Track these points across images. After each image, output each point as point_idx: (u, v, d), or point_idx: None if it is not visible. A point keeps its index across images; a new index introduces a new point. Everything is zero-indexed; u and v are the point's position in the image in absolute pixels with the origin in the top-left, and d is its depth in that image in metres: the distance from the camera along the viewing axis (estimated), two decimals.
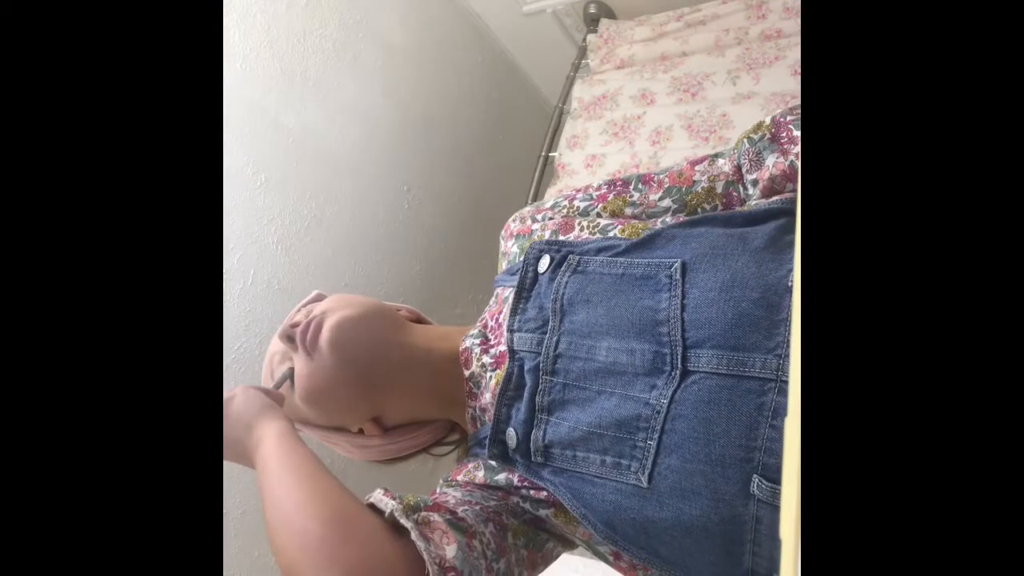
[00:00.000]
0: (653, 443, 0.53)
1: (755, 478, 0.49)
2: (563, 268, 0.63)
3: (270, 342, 0.75)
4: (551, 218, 0.73)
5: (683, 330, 0.54)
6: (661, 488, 0.53)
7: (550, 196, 1.74)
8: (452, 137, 2.01)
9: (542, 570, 0.64)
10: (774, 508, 0.48)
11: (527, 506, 0.63)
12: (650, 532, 0.54)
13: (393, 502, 0.56)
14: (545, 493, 0.61)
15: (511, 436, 0.61)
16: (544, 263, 0.65)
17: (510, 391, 0.62)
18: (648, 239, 0.61)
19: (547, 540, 0.64)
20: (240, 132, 1.46)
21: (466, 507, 0.60)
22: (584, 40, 1.93)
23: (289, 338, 0.69)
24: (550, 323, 0.62)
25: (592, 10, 1.96)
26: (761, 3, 1.65)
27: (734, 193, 0.66)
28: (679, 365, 0.54)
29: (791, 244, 0.56)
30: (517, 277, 0.67)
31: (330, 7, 1.66)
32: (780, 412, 0.49)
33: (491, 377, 0.67)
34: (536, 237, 0.71)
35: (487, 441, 0.63)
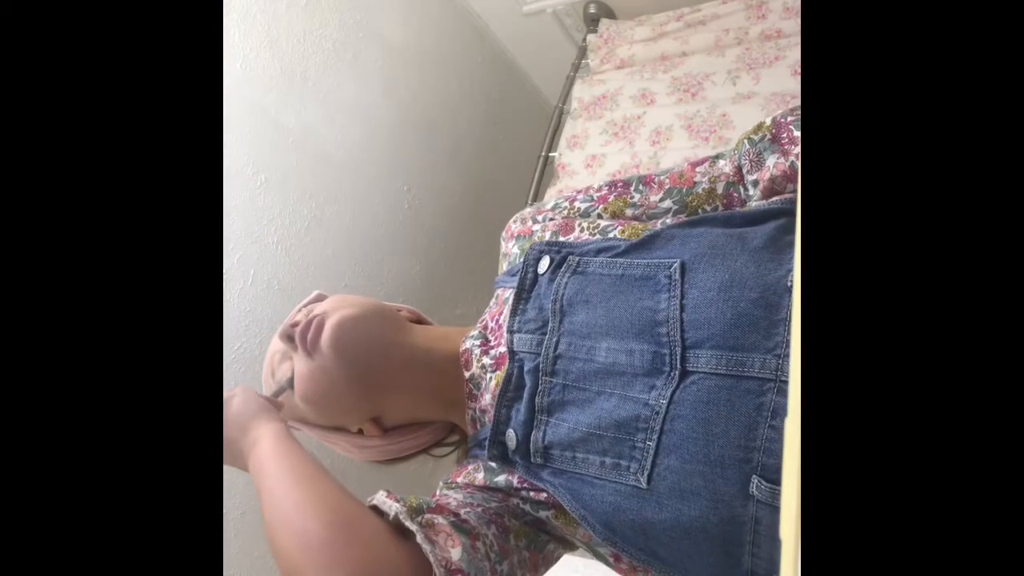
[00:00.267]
0: (652, 444, 0.53)
1: (754, 479, 0.49)
2: (563, 269, 0.63)
3: (270, 342, 0.75)
4: (552, 219, 0.73)
5: (682, 330, 0.54)
6: (660, 489, 0.53)
7: (550, 196, 1.74)
8: (452, 137, 2.01)
9: (543, 572, 0.64)
10: (773, 509, 0.48)
11: (527, 508, 0.63)
12: (649, 533, 0.54)
13: (397, 505, 0.56)
14: (545, 495, 0.61)
15: (511, 437, 0.61)
16: (544, 264, 0.65)
17: (510, 392, 0.62)
18: (647, 240, 0.61)
19: (548, 542, 0.64)
20: (240, 132, 1.46)
21: (468, 509, 0.60)
22: (584, 40, 1.93)
23: (289, 338, 0.69)
24: (550, 324, 0.62)
25: (592, 10, 1.96)
26: (761, 3, 1.65)
27: (734, 194, 0.66)
28: (678, 365, 0.54)
29: (790, 244, 0.56)
30: (517, 278, 0.67)
31: (330, 7, 1.66)
32: (779, 412, 0.49)
33: (491, 378, 0.67)
34: (536, 238, 0.71)
35: (487, 442, 0.63)
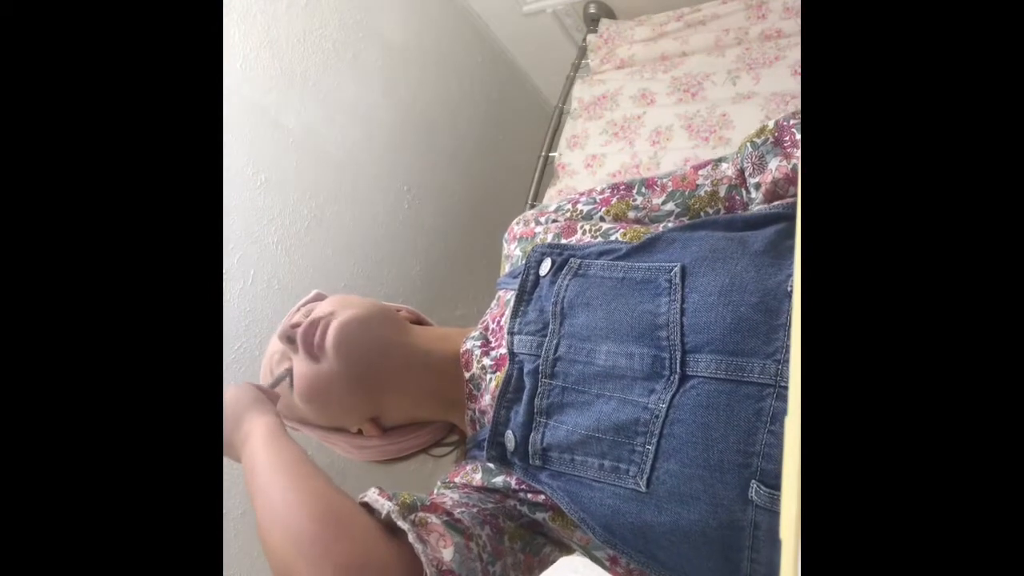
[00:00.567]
0: (651, 448, 0.53)
1: (753, 484, 0.49)
2: (564, 271, 0.63)
3: (269, 342, 0.75)
4: (554, 221, 0.73)
5: (682, 334, 0.54)
6: (660, 493, 0.53)
7: (550, 196, 1.74)
8: (452, 137, 2.01)
9: (538, 574, 0.64)
10: (772, 514, 0.48)
11: (524, 509, 0.62)
12: (648, 537, 0.54)
13: (389, 503, 0.56)
14: (543, 497, 0.61)
15: (509, 439, 0.61)
16: (545, 266, 0.65)
17: (509, 393, 0.62)
18: (648, 243, 0.61)
19: (544, 544, 0.64)
20: (240, 132, 1.46)
21: (463, 509, 0.60)
22: (584, 40, 1.93)
23: (289, 339, 0.69)
24: (550, 326, 0.62)
25: (592, 10, 1.96)
26: (761, 3, 1.65)
27: (737, 197, 0.66)
28: (678, 370, 0.54)
29: (791, 249, 0.56)
30: (519, 280, 0.67)
31: (330, 7, 1.66)
32: (779, 418, 0.49)
33: (491, 379, 0.67)
34: (539, 240, 0.71)
35: (485, 443, 0.63)
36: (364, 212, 1.74)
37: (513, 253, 0.75)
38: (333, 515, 0.53)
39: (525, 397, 0.61)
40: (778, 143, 0.63)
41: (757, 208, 0.64)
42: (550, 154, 1.86)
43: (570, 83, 1.90)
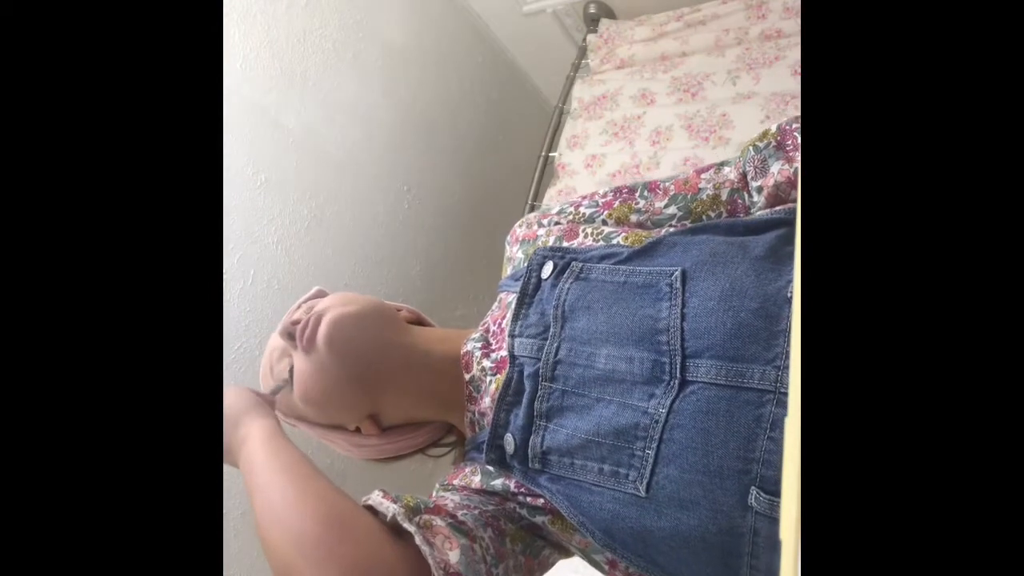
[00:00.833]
0: (651, 452, 0.53)
1: (753, 490, 0.49)
2: (566, 275, 0.63)
3: (270, 339, 0.75)
4: (557, 223, 0.73)
5: (682, 339, 0.54)
6: (659, 498, 0.53)
7: (550, 196, 1.74)
8: (452, 137, 2.01)
9: None
10: (772, 520, 0.48)
11: (524, 512, 0.62)
12: (648, 541, 0.54)
13: (395, 506, 0.56)
14: (542, 500, 0.61)
15: (509, 442, 0.61)
16: (547, 269, 0.65)
17: (509, 396, 0.62)
18: (650, 247, 0.61)
19: (544, 547, 0.64)
20: (240, 132, 1.46)
21: (465, 511, 0.60)
22: (584, 40, 1.93)
23: (289, 335, 0.69)
24: (551, 329, 0.62)
25: (592, 10, 1.96)
26: (761, 3, 1.65)
27: (739, 200, 0.66)
28: (678, 375, 0.54)
29: (791, 255, 0.56)
30: (520, 283, 0.67)
31: (330, 7, 1.66)
32: (778, 424, 0.49)
33: (491, 381, 0.67)
34: (541, 243, 0.71)
35: (484, 446, 0.63)
36: (364, 212, 1.74)
37: (515, 255, 0.75)
38: (337, 517, 0.53)
39: (525, 400, 0.61)
40: (780, 147, 0.64)
41: (759, 213, 0.64)
42: (550, 154, 1.86)
43: (570, 83, 1.90)
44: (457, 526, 0.57)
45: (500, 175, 2.13)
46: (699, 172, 0.69)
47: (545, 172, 1.86)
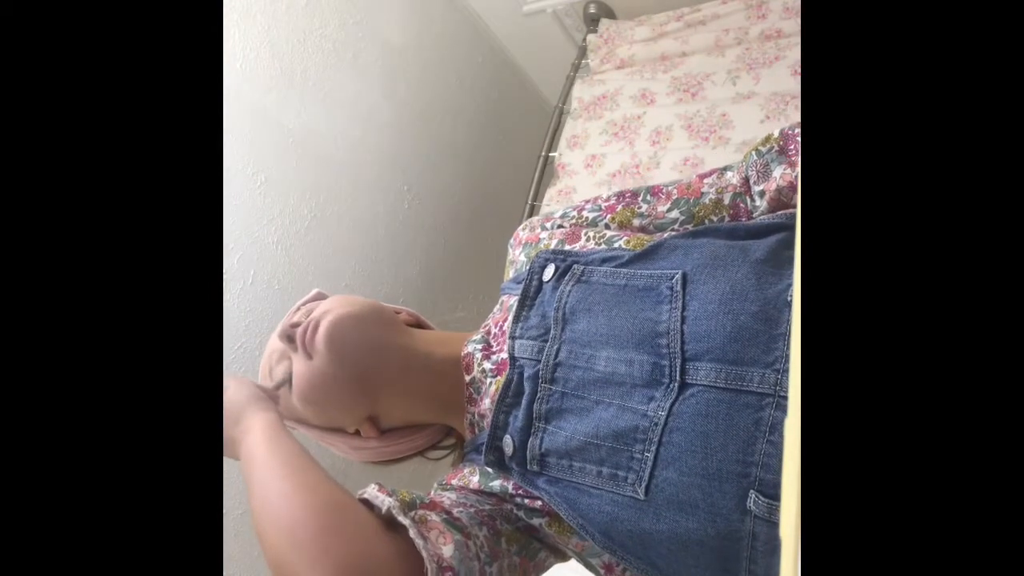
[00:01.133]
0: (650, 455, 0.53)
1: (752, 494, 0.49)
2: (567, 277, 0.63)
3: (269, 341, 0.75)
4: (559, 226, 0.73)
5: (682, 342, 0.55)
6: (658, 501, 0.53)
7: (550, 196, 1.74)
8: (452, 137, 2.01)
9: None
10: (771, 524, 0.48)
11: (521, 514, 0.62)
12: (647, 543, 0.54)
13: (390, 499, 0.56)
14: (540, 502, 0.61)
15: (508, 443, 0.61)
16: (549, 272, 0.65)
17: (509, 398, 0.62)
18: (651, 250, 0.61)
19: (540, 549, 0.64)
20: (240, 132, 1.46)
21: (461, 509, 0.60)
22: (584, 40, 1.93)
23: (289, 338, 0.69)
24: (552, 331, 0.62)
25: (592, 10, 1.96)
26: (761, 3, 1.65)
27: (741, 205, 0.67)
28: (677, 377, 0.54)
29: (791, 259, 0.56)
30: (522, 285, 0.67)
31: (330, 7, 1.66)
32: (778, 428, 0.49)
33: (491, 383, 0.67)
34: (543, 246, 0.72)
35: (483, 447, 0.63)
36: (364, 212, 1.74)
37: (518, 258, 0.75)
38: (332, 510, 0.53)
39: (524, 402, 0.61)
40: (783, 151, 0.64)
41: (760, 217, 0.64)
42: (550, 154, 1.86)
43: (570, 83, 1.90)
44: (452, 522, 0.57)
45: (500, 175, 2.13)
46: (702, 176, 0.69)
47: (545, 172, 1.86)
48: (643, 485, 0.53)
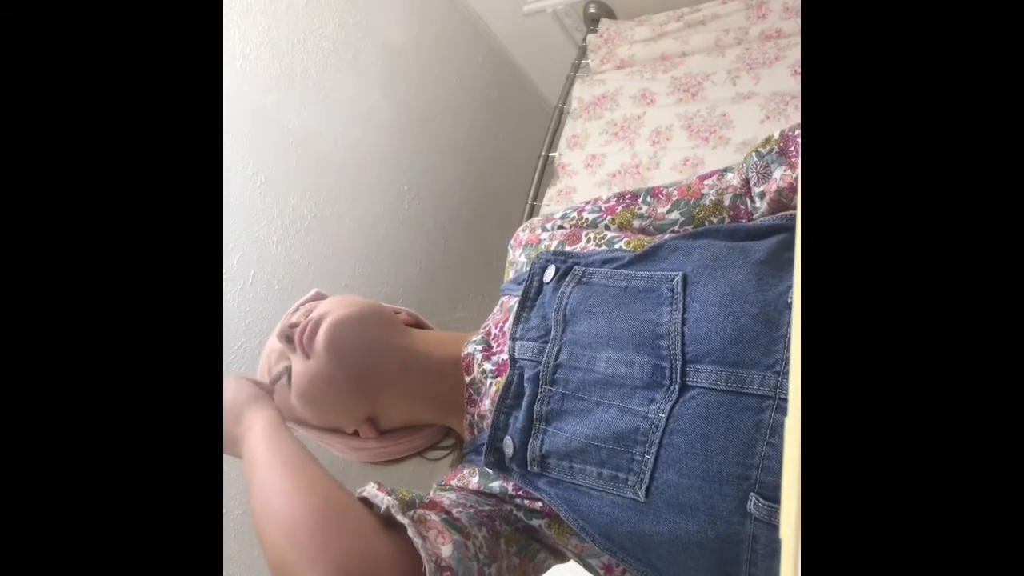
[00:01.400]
0: (651, 457, 0.53)
1: (752, 496, 0.49)
2: (568, 279, 0.63)
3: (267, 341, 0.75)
4: (560, 228, 0.73)
5: (683, 344, 0.54)
6: (658, 502, 0.53)
7: (550, 196, 1.74)
8: (452, 137, 2.01)
9: None
10: (771, 527, 0.48)
11: (520, 515, 0.62)
12: (647, 545, 0.54)
13: (389, 498, 0.56)
14: (540, 503, 0.61)
15: (508, 444, 0.61)
16: (549, 273, 0.65)
17: (509, 399, 0.62)
18: (651, 251, 0.61)
19: (539, 550, 0.64)
20: (240, 132, 1.46)
21: (460, 509, 0.60)
22: (584, 40, 1.93)
23: (288, 338, 0.69)
24: (552, 333, 0.62)
25: (592, 10, 1.96)
26: (761, 3, 1.65)
27: (741, 206, 0.67)
28: (678, 379, 0.54)
29: (791, 261, 0.56)
30: (523, 286, 0.67)
31: (330, 7, 1.66)
32: (778, 430, 0.49)
33: (491, 384, 0.67)
34: (544, 247, 0.72)
35: (483, 448, 0.63)
36: (364, 212, 1.74)
37: (518, 259, 0.75)
38: (330, 508, 0.53)
39: (525, 403, 0.61)
40: (783, 153, 0.64)
41: (760, 218, 0.64)
42: (550, 154, 1.86)
43: (570, 83, 1.90)
44: (451, 522, 0.57)
45: (500, 175, 2.13)
46: (702, 178, 0.69)
47: (545, 172, 1.86)
48: (643, 487, 0.53)
